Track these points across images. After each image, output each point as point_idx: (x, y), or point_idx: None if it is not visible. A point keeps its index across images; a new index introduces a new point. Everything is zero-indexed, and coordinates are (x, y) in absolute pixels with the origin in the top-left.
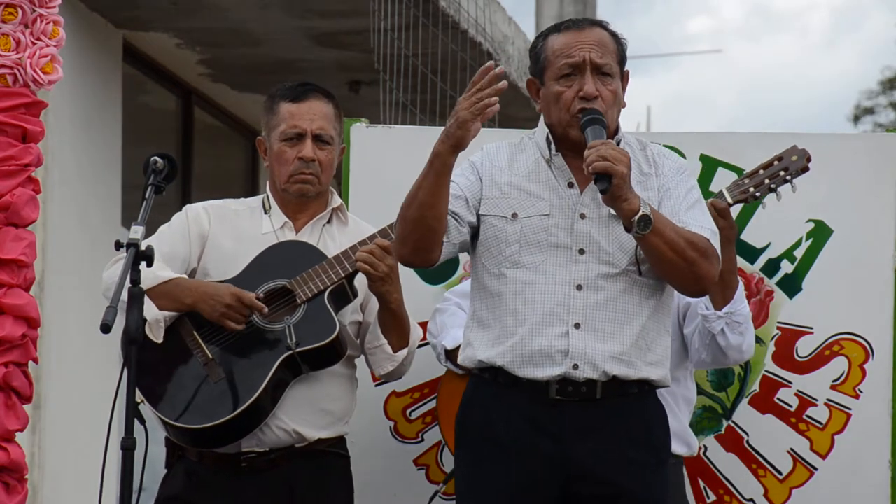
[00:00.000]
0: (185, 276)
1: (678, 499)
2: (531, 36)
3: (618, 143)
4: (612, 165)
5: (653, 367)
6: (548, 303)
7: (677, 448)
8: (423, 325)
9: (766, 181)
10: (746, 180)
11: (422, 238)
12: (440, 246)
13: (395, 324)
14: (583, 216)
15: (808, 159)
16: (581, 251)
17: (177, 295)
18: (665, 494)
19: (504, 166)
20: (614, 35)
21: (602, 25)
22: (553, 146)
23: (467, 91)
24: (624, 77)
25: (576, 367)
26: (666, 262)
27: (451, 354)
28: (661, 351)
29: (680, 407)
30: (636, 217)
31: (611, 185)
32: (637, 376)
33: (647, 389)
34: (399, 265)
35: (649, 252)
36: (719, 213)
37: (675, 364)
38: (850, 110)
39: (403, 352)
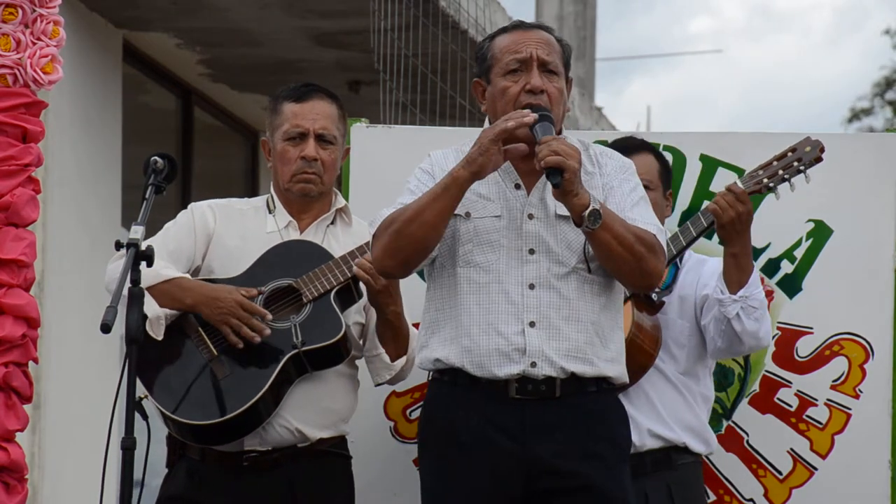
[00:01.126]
0: (188, 274)
1: (696, 497)
2: None
3: None
4: (563, 160)
5: (609, 363)
6: (502, 302)
7: (696, 446)
8: None
9: (780, 172)
10: (760, 171)
11: (414, 255)
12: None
13: (392, 334)
14: (531, 216)
15: (822, 150)
16: (531, 251)
17: (177, 295)
18: (627, 488)
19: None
20: (559, 40)
21: (547, 30)
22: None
23: (494, 124)
24: (568, 83)
25: (534, 364)
26: (615, 257)
27: None
28: (616, 347)
29: (698, 404)
30: (587, 212)
31: (563, 179)
32: (594, 373)
33: (605, 388)
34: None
35: (598, 247)
36: (737, 198)
37: (694, 360)
38: (847, 113)
39: (402, 360)
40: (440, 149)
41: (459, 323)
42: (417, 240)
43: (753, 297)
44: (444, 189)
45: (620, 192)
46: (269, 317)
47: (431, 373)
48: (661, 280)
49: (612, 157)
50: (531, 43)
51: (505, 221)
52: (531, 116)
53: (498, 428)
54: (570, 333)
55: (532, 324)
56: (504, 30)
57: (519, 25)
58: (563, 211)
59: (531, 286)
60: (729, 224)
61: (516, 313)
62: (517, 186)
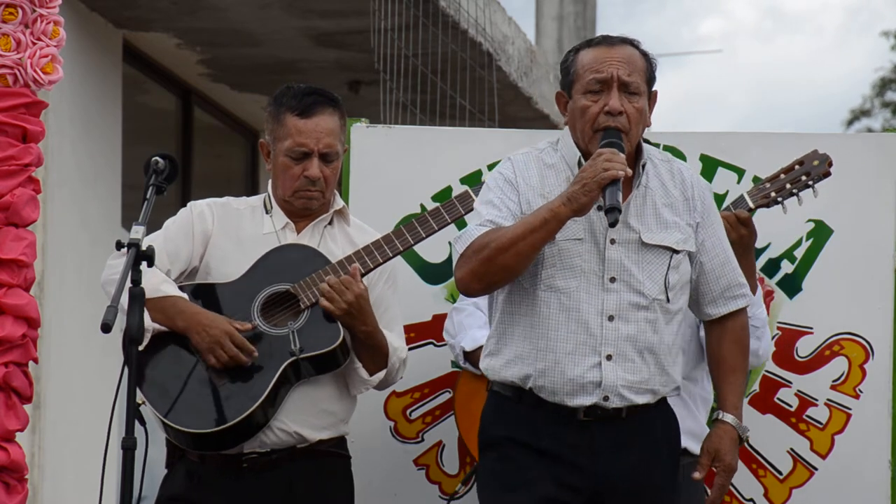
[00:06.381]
0: (185, 272)
1: (697, 496)
2: (531, 36)
3: (643, 166)
4: None
5: (674, 389)
6: (581, 332)
7: (696, 448)
8: (423, 325)
9: (788, 186)
10: (767, 185)
11: (502, 281)
12: None
13: (366, 352)
14: (613, 241)
15: (830, 164)
16: (612, 279)
17: (170, 314)
18: (678, 496)
19: (536, 185)
20: (645, 54)
21: (634, 44)
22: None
23: (592, 158)
24: (652, 97)
25: (606, 398)
26: None
27: (470, 356)
28: (679, 368)
29: (698, 407)
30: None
31: (618, 220)
32: (657, 400)
33: (663, 401)
34: (393, 266)
35: None
36: (741, 222)
37: (693, 365)
38: (847, 115)
39: (380, 374)
40: (440, 149)
41: (536, 346)
42: (509, 269)
43: (755, 317)
44: (543, 223)
45: (725, 244)
46: (256, 354)
47: (493, 383)
48: None
49: (700, 181)
50: (613, 62)
51: (587, 245)
52: (629, 172)
53: (567, 444)
54: (643, 366)
55: (609, 357)
56: (589, 43)
57: (604, 41)
58: (649, 239)
59: (610, 318)
60: (732, 246)
61: (594, 346)
62: (599, 208)
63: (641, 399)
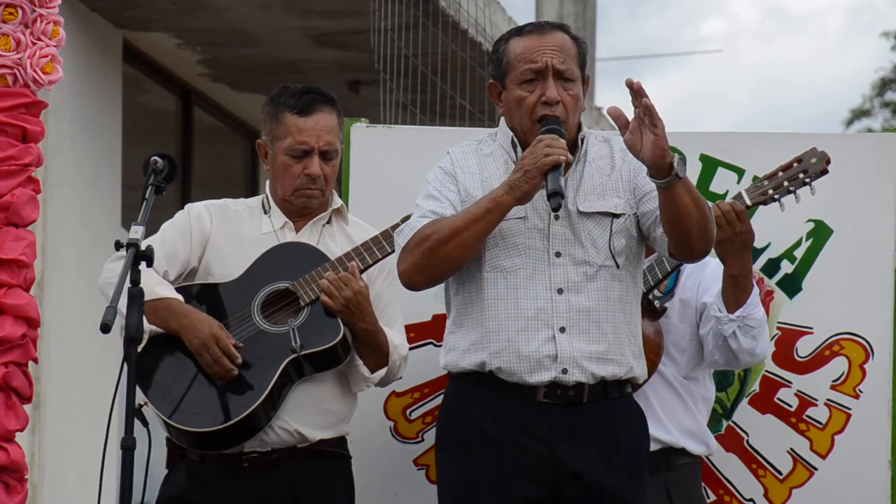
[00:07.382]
0: (185, 273)
1: (694, 497)
2: None
3: (582, 141)
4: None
5: (636, 360)
6: (531, 308)
7: (696, 448)
8: (423, 325)
9: (786, 183)
10: (765, 182)
11: (446, 273)
12: None
13: (367, 349)
14: (557, 217)
15: (828, 162)
16: (557, 254)
17: (164, 317)
18: (647, 497)
19: (474, 171)
20: (575, 39)
21: (564, 29)
22: (519, 149)
23: (532, 145)
24: (585, 81)
25: (565, 371)
26: (687, 214)
27: None
28: (639, 342)
29: (698, 407)
30: (675, 160)
31: (561, 205)
32: (623, 373)
33: (627, 392)
34: (392, 263)
35: (674, 202)
36: (738, 217)
37: (695, 364)
38: (847, 115)
39: (381, 371)
40: (440, 149)
41: (488, 329)
42: (452, 260)
43: (751, 317)
44: (486, 212)
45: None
46: (239, 361)
47: (455, 374)
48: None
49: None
50: (547, 51)
51: (530, 223)
52: (570, 157)
53: (525, 430)
54: (599, 336)
55: (562, 329)
56: (519, 31)
57: (534, 29)
58: (586, 208)
59: (559, 290)
60: (726, 241)
61: (546, 319)
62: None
63: (605, 369)
